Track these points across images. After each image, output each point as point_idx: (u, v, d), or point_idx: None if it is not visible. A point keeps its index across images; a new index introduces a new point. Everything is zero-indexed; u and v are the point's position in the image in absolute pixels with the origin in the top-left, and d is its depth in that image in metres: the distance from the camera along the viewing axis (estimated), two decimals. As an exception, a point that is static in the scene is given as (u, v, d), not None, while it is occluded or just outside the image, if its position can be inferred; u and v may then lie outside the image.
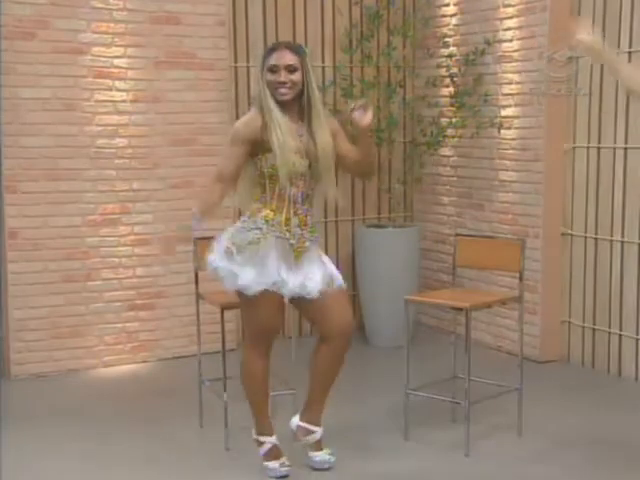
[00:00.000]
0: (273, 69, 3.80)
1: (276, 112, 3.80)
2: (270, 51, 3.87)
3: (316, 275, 3.91)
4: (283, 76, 3.78)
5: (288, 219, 3.85)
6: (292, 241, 3.86)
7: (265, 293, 3.81)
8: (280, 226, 3.84)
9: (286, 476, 4.00)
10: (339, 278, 4.00)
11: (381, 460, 4.20)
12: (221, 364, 4.34)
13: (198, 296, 4.58)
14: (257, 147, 3.83)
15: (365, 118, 3.81)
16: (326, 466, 4.08)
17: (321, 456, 4.10)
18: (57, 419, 4.83)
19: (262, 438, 4.06)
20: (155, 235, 5.89)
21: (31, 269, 5.57)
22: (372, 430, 4.60)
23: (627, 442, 4.40)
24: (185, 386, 5.04)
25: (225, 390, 4.34)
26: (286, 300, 3.91)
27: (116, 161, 5.74)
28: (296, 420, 4.13)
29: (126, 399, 5.16)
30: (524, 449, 4.33)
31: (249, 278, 3.80)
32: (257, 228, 3.83)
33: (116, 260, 5.80)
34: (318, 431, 4.08)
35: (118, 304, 5.83)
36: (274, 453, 4.05)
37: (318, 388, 4.05)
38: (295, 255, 3.87)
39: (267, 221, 3.84)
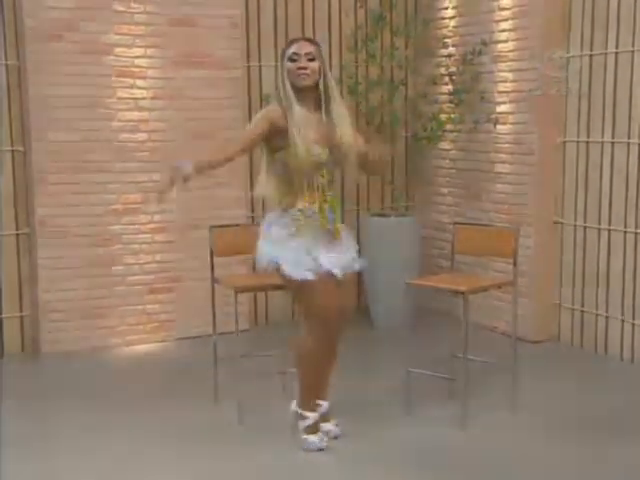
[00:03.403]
0: (293, 57, 3.86)
1: (294, 103, 3.84)
2: (290, 43, 3.96)
3: (352, 251, 4.03)
4: (303, 62, 3.84)
5: (322, 208, 3.89)
6: (329, 226, 3.91)
7: (314, 277, 3.85)
8: (315, 215, 3.89)
9: (323, 449, 4.03)
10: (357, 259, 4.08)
11: (383, 434, 4.23)
12: (235, 343, 4.36)
13: (214, 280, 4.61)
14: (276, 136, 3.84)
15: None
16: (332, 435, 4.11)
17: (326, 426, 4.12)
18: (83, 393, 4.89)
19: (306, 413, 4.06)
20: (173, 223, 5.93)
21: (59, 255, 5.64)
22: (376, 405, 4.62)
23: (613, 417, 4.44)
24: (201, 364, 5.05)
25: (239, 368, 4.37)
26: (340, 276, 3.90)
27: (137, 154, 5.80)
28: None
29: (145, 376, 5.22)
30: (517, 423, 4.37)
31: (296, 267, 3.83)
32: (294, 220, 3.87)
33: (137, 247, 5.87)
34: (323, 404, 4.10)
35: (139, 287, 5.89)
36: (313, 428, 4.07)
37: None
38: (335, 236, 3.94)
39: (302, 212, 3.88)
